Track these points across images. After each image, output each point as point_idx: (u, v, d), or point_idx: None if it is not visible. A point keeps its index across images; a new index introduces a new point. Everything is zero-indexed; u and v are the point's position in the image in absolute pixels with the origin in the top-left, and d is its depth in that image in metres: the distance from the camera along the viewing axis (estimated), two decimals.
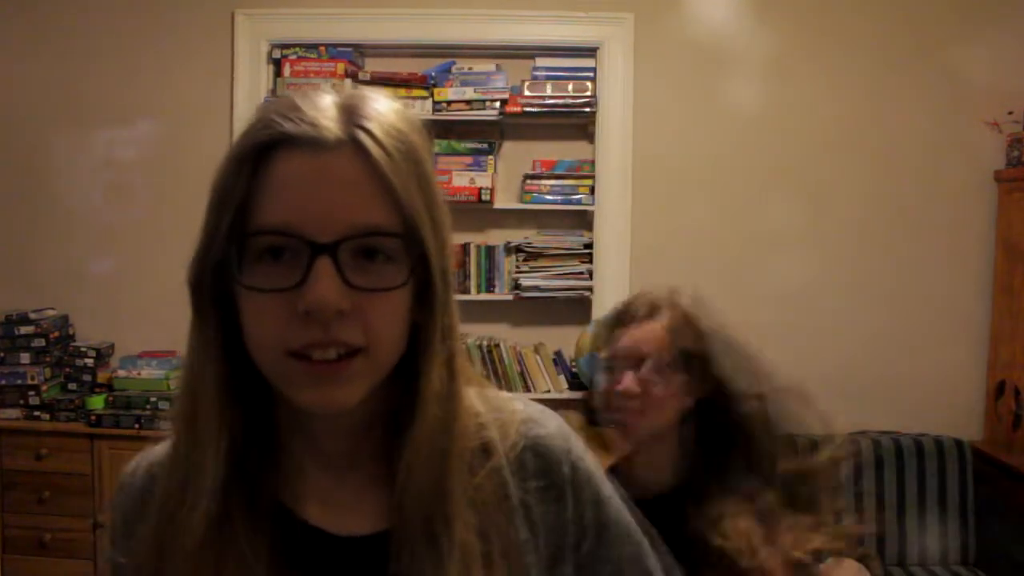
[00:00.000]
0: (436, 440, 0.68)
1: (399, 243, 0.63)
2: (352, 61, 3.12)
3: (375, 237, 0.63)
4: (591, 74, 3.14)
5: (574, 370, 3.05)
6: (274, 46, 3.16)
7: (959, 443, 2.92)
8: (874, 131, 3.17)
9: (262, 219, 0.63)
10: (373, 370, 0.66)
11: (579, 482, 0.74)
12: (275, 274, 0.63)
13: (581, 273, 3.13)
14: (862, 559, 2.73)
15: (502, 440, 0.72)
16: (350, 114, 0.65)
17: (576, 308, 3.19)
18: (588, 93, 3.10)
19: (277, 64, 3.15)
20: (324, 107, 0.65)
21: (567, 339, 3.14)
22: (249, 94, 3.15)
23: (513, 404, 0.76)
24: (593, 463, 0.77)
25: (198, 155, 3.19)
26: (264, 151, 0.64)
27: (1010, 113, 3.06)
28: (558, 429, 0.76)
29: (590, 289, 3.12)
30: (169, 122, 3.23)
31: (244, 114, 3.12)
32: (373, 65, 3.22)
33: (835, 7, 3.16)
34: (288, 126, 0.63)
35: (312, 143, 0.63)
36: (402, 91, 3.10)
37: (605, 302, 3.13)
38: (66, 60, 3.23)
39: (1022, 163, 3.03)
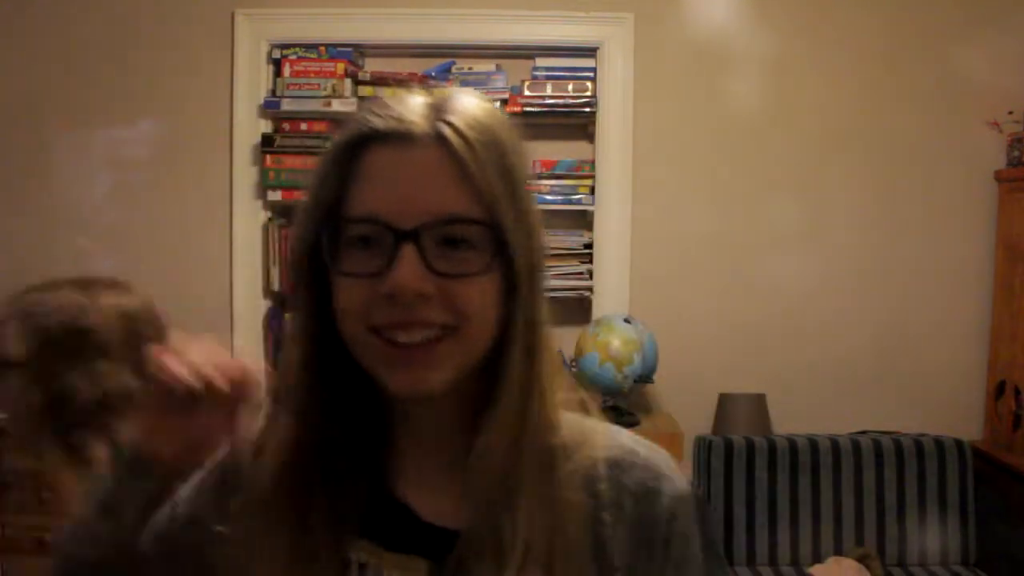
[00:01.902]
0: (509, 429, 0.69)
1: (481, 231, 0.66)
2: (352, 61, 3.12)
3: (456, 224, 0.66)
4: (591, 74, 3.14)
5: (574, 370, 3.05)
6: (274, 46, 3.16)
7: (959, 443, 2.91)
8: (874, 131, 3.17)
9: (352, 210, 0.68)
10: (462, 352, 0.68)
11: (674, 545, 0.74)
12: (364, 261, 0.67)
13: (581, 273, 3.13)
14: (862, 559, 2.75)
15: (593, 460, 0.73)
16: (435, 110, 0.69)
17: (576, 308, 3.19)
18: (588, 93, 3.10)
19: (277, 64, 3.15)
20: (412, 104, 0.70)
21: (567, 339, 3.13)
22: (249, 94, 3.15)
23: (620, 438, 0.77)
24: (693, 522, 0.77)
25: (198, 155, 3.22)
26: (356, 146, 0.69)
27: (1010, 113, 3.06)
28: (674, 487, 0.75)
29: (590, 289, 3.12)
30: (169, 122, 3.23)
31: (244, 114, 3.15)
32: (373, 65, 3.22)
33: (835, 7, 3.16)
34: (377, 122, 0.68)
35: (398, 137, 0.68)
36: (402, 91, 3.09)
37: (605, 302, 3.13)
38: (66, 60, 3.23)
39: (1022, 163, 3.03)
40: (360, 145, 0.69)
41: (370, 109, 0.70)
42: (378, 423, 0.74)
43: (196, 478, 0.78)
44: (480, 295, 0.67)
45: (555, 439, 0.72)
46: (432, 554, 0.71)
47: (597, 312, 3.10)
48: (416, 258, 0.65)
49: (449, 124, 0.68)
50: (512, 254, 0.67)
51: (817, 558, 2.82)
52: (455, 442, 0.72)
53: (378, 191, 0.67)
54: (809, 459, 2.88)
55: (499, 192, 0.67)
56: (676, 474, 0.76)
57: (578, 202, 3.15)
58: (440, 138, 0.67)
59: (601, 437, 0.75)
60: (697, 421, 3.11)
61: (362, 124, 0.69)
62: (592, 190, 3.14)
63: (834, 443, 2.92)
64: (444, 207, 0.66)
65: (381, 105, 0.70)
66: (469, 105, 0.70)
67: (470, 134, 0.67)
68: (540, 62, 3.15)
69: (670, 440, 2.71)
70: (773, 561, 2.84)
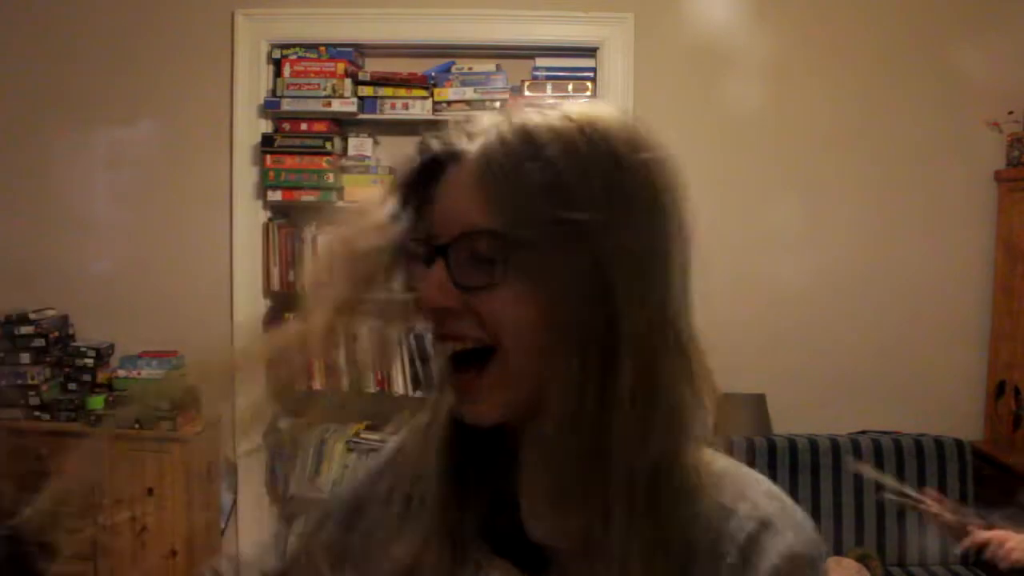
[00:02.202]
0: (585, 453, 0.64)
1: (497, 243, 0.63)
2: (352, 61, 3.12)
3: (475, 237, 0.64)
4: (591, 74, 3.14)
5: None
6: (274, 46, 3.16)
7: (959, 443, 2.92)
8: (874, 131, 3.17)
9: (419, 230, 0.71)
10: (505, 382, 0.65)
11: None
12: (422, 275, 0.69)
13: None
14: (862, 559, 2.74)
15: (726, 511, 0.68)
16: (479, 126, 0.68)
17: None
18: (588, 93, 3.10)
19: (277, 64, 3.15)
20: (477, 121, 0.69)
21: None
22: (249, 94, 3.15)
23: (761, 499, 0.72)
24: None
25: (198, 155, 3.22)
26: (429, 169, 0.70)
27: (1010, 113, 3.06)
28: (786, 545, 0.67)
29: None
30: (169, 122, 3.23)
31: (244, 114, 3.15)
32: (373, 65, 3.22)
33: (835, 7, 3.16)
34: (435, 144, 0.70)
35: (451, 156, 0.68)
36: (402, 91, 3.10)
37: None
38: (66, 60, 3.23)
39: (1022, 163, 3.03)
40: (433, 167, 0.70)
41: (445, 129, 0.71)
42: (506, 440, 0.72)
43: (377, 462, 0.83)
44: (509, 308, 0.64)
45: (683, 481, 0.67)
46: (533, 568, 0.69)
47: None
48: (442, 272, 0.65)
49: (482, 138, 0.66)
50: (553, 272, 0.63)
51: None
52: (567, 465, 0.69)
53: (434, 211, 0.68)
54: (809, 459, 2.88)
55: (519, 204, 0.63)
56: (796, 531, 0.68)
57: None
58: (478, 154, 0.66)
59: (750, 493, 0.72)
60: None
61: (424, 150, 0.71)
62: None
63: (834, 443, 2.92)
64: (469, 222, 0.64)
65: (451, 125, 0.70)
66: (528, 117, 0.66)
67: (499, 148, 0.65)
68: (540, 62, 3.15)
69: None
70: None
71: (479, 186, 0.65)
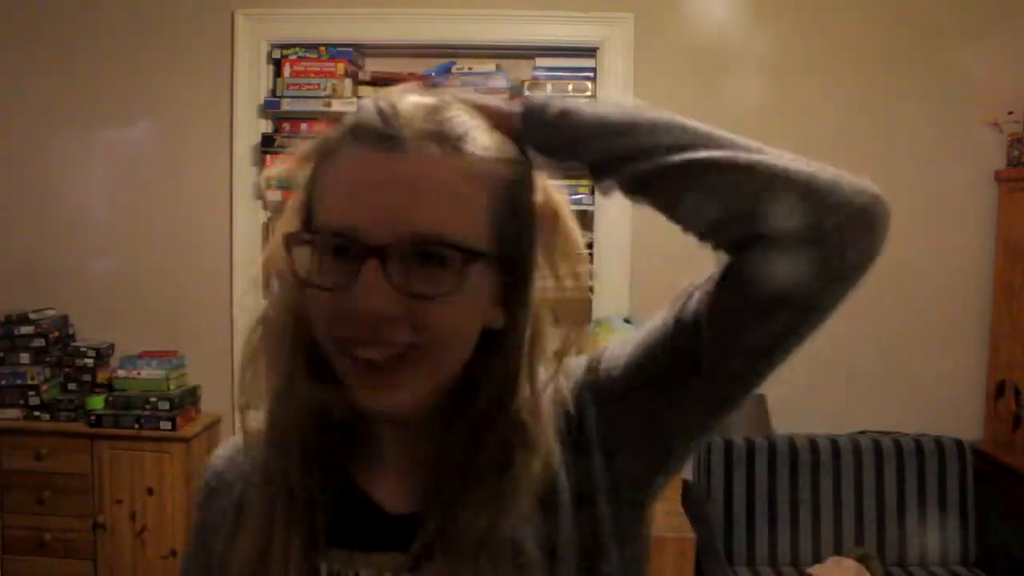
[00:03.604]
0: (471, 431, 0.67)
1: (457, 253, 0.61)
2: (352, 61, 3.12)
3: (429, 244, 0.61)
4: (591, 74, 3.14)
5: None
6: (274, 46, 3.16)
7: (959, 443, 2.91)
8: (874, 131, 3.17)
9: (329, 216, 0.64)
10: (430, 372, 0.65)
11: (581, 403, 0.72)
12: (335, 272, 0.63)
13: None
14: (862, 559, 2.75)
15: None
16: (435, 112, 0.65)
17: None
18: (588, 93, 3.10)
19: (277, 64, 3.15)
20: (410, 104, 0.65)
21: None
22: (249, 94, 3.15)
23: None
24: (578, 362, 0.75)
25: (198, 155, 3.22)
26: (342, 142, 0.65)
27: (1010, 113, 3.06)
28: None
29: (590, 289, 3.11)
30: (169, 122, 3.23)
31: (244, 114, 3.15)
32: (373, 65, 3.22)
33: (835, 7, 3.16)
34: (368, 117, 0.64)
35: (387, 139, 0.62)
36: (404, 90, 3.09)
37: (605, 302, 3.13)
38: (66, 60, 3.23)
39: (1022, 163, 3.03)
40: (348, 142, 0.64)
41: (363, 104, 0.66)
42: (347, 419, 0.72)
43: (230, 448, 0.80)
44: (450, 315, 0.63)
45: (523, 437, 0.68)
46: (401, 545, 0.69)
47: (597, 312, 3.10)
48: (381, 276, 0.60)
49: (442, 134, 0.63)
50: (500, 279, 0.66)
51: (817, 558, 2.82)
52: (419, 438, 0.71)
53: (357, 199, 0.62)
54: (809, 459, 2.88)
55: (486, 215, 0.63)
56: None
57: (578, 202, 3.15)
58: (431, 147, 0.62)
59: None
60: None
61: (352, 118, 0.65)
62: (592, 190, 3.14)
63: (834, 443, 2.92)
64: (419, 224, 0.61)
65: (376, 100, 0.65)
66: (467, 121, 0.66)
67: (464, 148, 0.63)
68: (540, 62, 3.15)
69: None
70: (773, 561, 2.84)
71: (438, 190, 0.61)
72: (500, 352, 0.67)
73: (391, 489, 0.72)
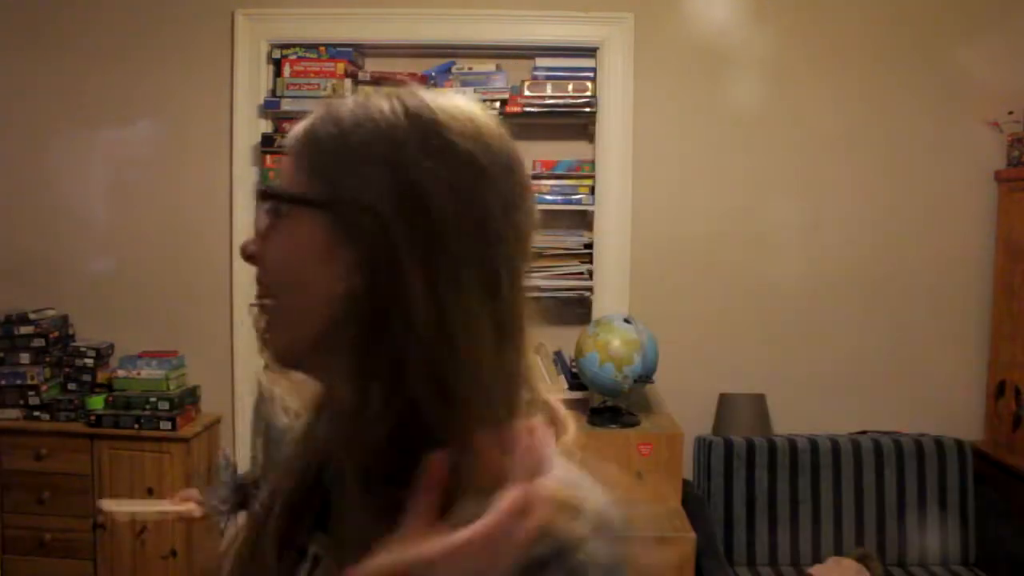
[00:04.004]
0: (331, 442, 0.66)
1: (276, 196, 0.67)
2: (352, 61, 3.12)
3: (268, 189, 0.68)
4: (591, 74, 3.14)
5: (574, 370, 3.05)
6: (274, 46, 3.16)
7: (959, 443, 2.92)
8: (874, 131, 3.17)
9: None
10: (282, 322, 0.67)
11: None
12: None
13: (581, 273, 3.13)
14: (862, 559, 2.75)
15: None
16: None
17: (576, 308, 3.19)
18: (588, 93, 3.10)
19: (277, 64, 3.15)
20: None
21: (567, 339, 3.13)
22: (249, 94, 3.15)
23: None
24: None
25: (198, 155, 3.22)
26: None
27: (1010, 113, 3.06)
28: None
29: (590, 289, 3.12)
30: (169, 122, 3.23)
31: (244, 114, 3.15)
32: (373, 65, 3.22)
33: (835, 7, 3.16)
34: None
35: None
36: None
37: (605, 302, 3.13)
38: (66, 60, 3.23)
39: (1022, 163, 3.03)
40: None
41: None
42: None
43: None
44: (274, 251, 0.66)
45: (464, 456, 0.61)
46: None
47: (597, 312, 3.10)
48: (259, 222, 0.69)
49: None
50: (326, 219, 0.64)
51: (817, 558, 2.82)
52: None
53: None
54: (809, 459, 2.88)
55: (305, 164, 0.66)
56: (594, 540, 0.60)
57: (578, 202, 3.15)
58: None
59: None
60: (697, 421, 3.11)
61: None
62: (592, 190, 3.14)
63: (834, 443, 2.92)
64: (278, 179, 0.70)
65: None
66: (323, 106, 0.69)
67: (300, 128, 0.69)
68: (540, 62, 3.15)
69: (670, 440, 2.71)
70: (773, 561, 2.84)
71: (286, 157, 0.68)
72: (396, 334, 0.61)
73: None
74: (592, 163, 3.18)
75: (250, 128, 3.16)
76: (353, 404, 0.63)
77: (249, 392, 3.21)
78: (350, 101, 0.67)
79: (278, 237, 0.66)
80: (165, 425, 2.95)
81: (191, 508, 2.03)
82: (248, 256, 0.68)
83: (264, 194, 0.67)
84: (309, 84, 3.08)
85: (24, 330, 3.07)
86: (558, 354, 3.19)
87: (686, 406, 3.08)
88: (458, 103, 0.67)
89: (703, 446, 2.92)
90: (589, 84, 3.12)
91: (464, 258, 0.62)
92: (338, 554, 0.64)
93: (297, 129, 0.68)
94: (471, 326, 0.62)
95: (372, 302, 0.62)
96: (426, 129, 0.64)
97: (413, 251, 0.61)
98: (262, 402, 0.85)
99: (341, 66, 3.08)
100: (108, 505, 2.12)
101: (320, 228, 0.64)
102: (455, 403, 0.61)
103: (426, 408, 0.61)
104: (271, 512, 0.71)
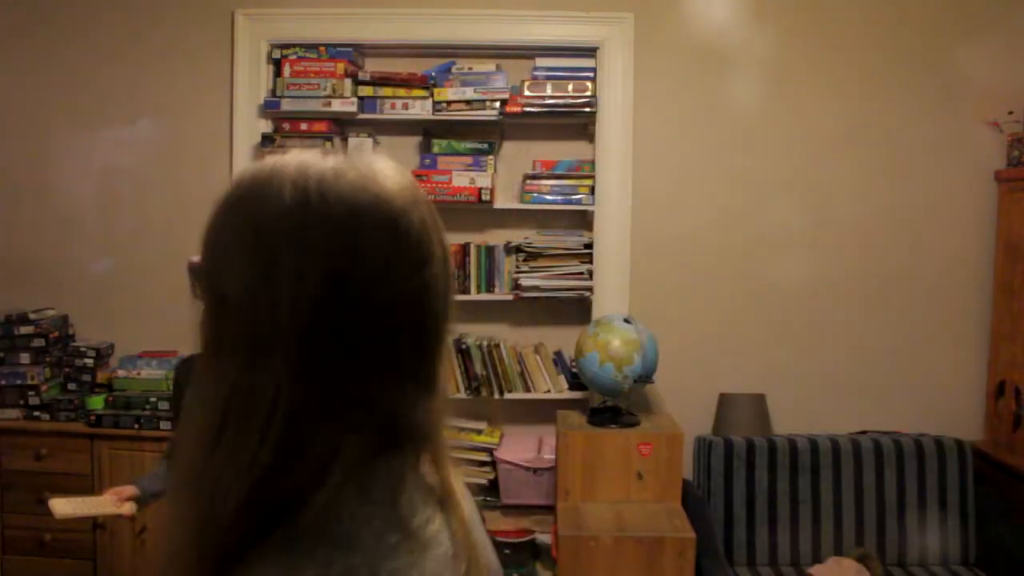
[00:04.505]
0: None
1: (194, 269, 0.67)
2: (352, 61, 3.12)
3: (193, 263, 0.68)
4: (591, 74, 3.14)
5: (574, 370, 3.05)
6: (274, 46, 3.16)
7: (959, 443, 2.92)
8: (874, 131, 3.17)
9: None
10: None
11: None
12: None
13: (581, 273, 3.13)
14: (862, 559, 2.75)
15: None
16: None
17: (576, 308, 3.19)
18: (588, 93, 3.10)
19: (277, 64, 3.15)
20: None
21: (567, 339, 3.14)
22: (249, 94, 3.15)
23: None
24: None
25: (198, 155, 3.22)
26: None
27: (1010, 113, 3.06)
28: None
29: (590, 289, 3.12)
30: (169, 122, 3.23)
31: (244, 114, 3.15)
32: (373, 65, 3.22)
33: (835, 7, 3.16)
34: None
35: None
36: (402, 91, 3.10)
37: (605, 302, 3.13)
38: (66, 60, 3.23)
39: (1022, 163, 3.03)
40: None
41: None
42: None
43: None
44: (199, 324, 0.66)
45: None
46: None
47: (597, 312, 3.10)
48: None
49: None
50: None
51: (817, 558, 2.82)
52: None
53: None
54: (809, 459, 2.88)
55: (205, 241, 0.66)
56: None
57: (578, 202, 3.15)
58: None
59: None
60: (697, 421, 3.11)
61: None
62: (592, 190, 3.14)
63: (834, 443, 2.92)
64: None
65: None
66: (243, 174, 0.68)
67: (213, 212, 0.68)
68: (540, 62, 3.15)
69: (670, 440, 2.71)
70: (773, 561, 2.84)
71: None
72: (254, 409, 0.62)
73: None
74: (592, 163, 3.18)
75: (250, 128, 3.16)
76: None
77: None
78: (255, 172, 0.66)
79: (197, 305, 0.66)
80: (165, 425, 2.95)
81: (127, 508, 2.12)
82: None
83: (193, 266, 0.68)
84: (309, 84, 3.08)
85: (24, 330, 3.07)
86: (558, 354, 3.20)
87: (686, 406, 3.08)
88: (349, 181, 0.64)
89: (703, 446, 2.92)
90: (589, 84, 3.11)
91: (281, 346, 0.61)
92: None
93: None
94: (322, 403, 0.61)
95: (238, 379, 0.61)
96: (300, 219, 0.62)
97: (235, 337, 0.62)
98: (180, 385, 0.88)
99: (341, 66, 3.08)
100: (55, 506, 2.17)
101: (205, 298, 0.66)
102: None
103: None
104: None
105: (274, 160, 0.67)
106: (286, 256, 0.61)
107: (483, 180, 3.10)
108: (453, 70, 3.16)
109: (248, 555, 0.58)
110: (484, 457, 3.10)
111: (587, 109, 3.09)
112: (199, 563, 0.60)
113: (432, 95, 3.09)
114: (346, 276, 0.61)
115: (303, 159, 0.66)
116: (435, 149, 3.16)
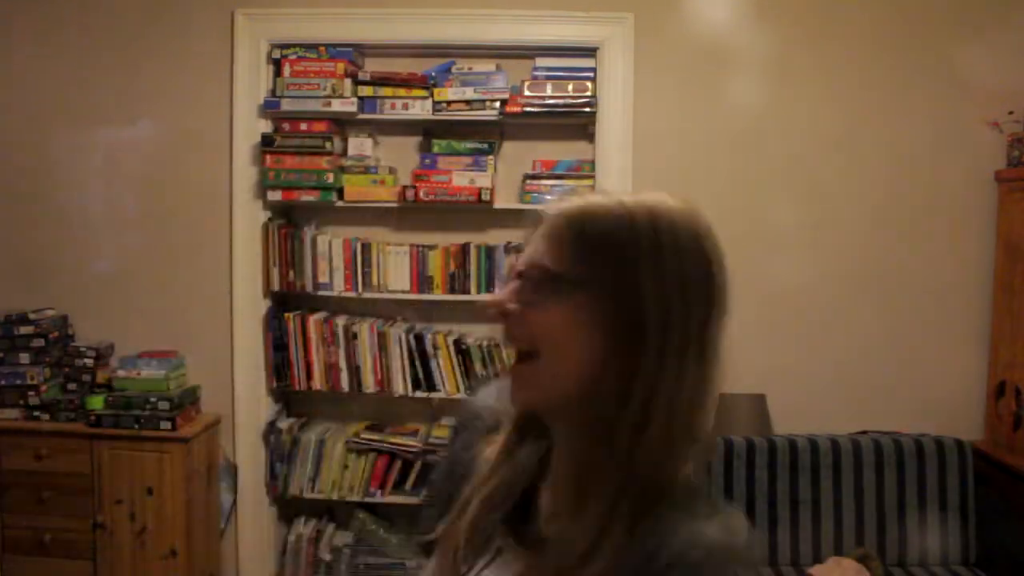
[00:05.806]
0: (593, 468, 0.78)
1: (547, 276, 0.80)
2: (352, 61, 3.12)
3: (535, 268, 0.82)
4: (591, 74, 3.14)
5: None
6: (274, 46, 3.16)
7: (960, 443, 2.91)
8: (874, 131, 3.17)
9: None
10: (542, 378, 0.80)
11: None
12: None
13: None
14: (862, 559, 2.74)
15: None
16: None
17: None
18: (588, 93, 3.10)
19: (277, 64, 3.15)
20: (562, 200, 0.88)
21: None
22: (249, 94, 3.15)
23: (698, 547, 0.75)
24: None
25: (198, 155, 3.22)
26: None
27: (1010, 113, 3.06)
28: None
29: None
30: (169, 122, 3.23)
31: (244, 114, 3.15)
32: (373, 65, 3.22)
33: (835, 7, 3.16)
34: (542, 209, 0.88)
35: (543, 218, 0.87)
36: (402, 91, 3.10)
37: None
38: (66, 60, 3.23)
39: (1022, 163, 3.03)
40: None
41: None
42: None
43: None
44: (548, 323, 0.78)
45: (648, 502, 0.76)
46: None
47: None
48: (515, 286, 0.82)
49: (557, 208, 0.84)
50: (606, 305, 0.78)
51: (817, 558, 2.82)
52: (561, 455, 0.84)
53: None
54: (809, 459, 2.88)
55: (567, 254, 0.80)
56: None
57: None
58: (551, 216, 0.84)
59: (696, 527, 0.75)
60: None
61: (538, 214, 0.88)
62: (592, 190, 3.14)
63: (834, 443, 2.92)
64: (536, 259, 0.82)
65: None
66: (579, 200, 0.83)
67: (561, 216, 0.82)
68: (540, 62, 3.15)
69: None
70: (773, 561, 2.84)
71: (545, 237, 0.82)
72: (619, 393, 0.77)
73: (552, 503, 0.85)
74: (592, 163, 3.18)
75: (250, 128, 3.16)
76: (585, 458, 0.79)
77: (248, 392, 3.22)
78: (604, 200, 0.82)
79: (547, 307, 0.79)
80: (165, 425, 2.95)
81: None
82: (505, 315, 0.81)
83: (543, 272, 0.80)
84: (309, 84, 3.08)
85: (24, 330, 3.07)
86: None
87: None
88: (683, 212, 0.89)
89: None
90: (589, 84, 3.11)
91: (691, 341, 0.83)
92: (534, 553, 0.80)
93: (556, 216, 0.82)
94: (693, 400, 0.82)
95: (619, 376, 0.77)
96: (666, 233, 0.83)
97: (657, 337, 0.78)
98: (461, 429, 1.00)
99: (341, 66, 3.08)
100: None
101: (584, 307, 0.78)
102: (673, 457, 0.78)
103: (645, 466, 0.76)
104: (469, 504, 0.85)
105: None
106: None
107: (483, 180, 3.10)
108: (453, 70, 3.16)
109: (651, 511, 0.75)
110: None
111: (587, 109, 3.09)
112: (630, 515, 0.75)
113: (432, 95, 3.09)
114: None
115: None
116: (435, 149, 3.16)
